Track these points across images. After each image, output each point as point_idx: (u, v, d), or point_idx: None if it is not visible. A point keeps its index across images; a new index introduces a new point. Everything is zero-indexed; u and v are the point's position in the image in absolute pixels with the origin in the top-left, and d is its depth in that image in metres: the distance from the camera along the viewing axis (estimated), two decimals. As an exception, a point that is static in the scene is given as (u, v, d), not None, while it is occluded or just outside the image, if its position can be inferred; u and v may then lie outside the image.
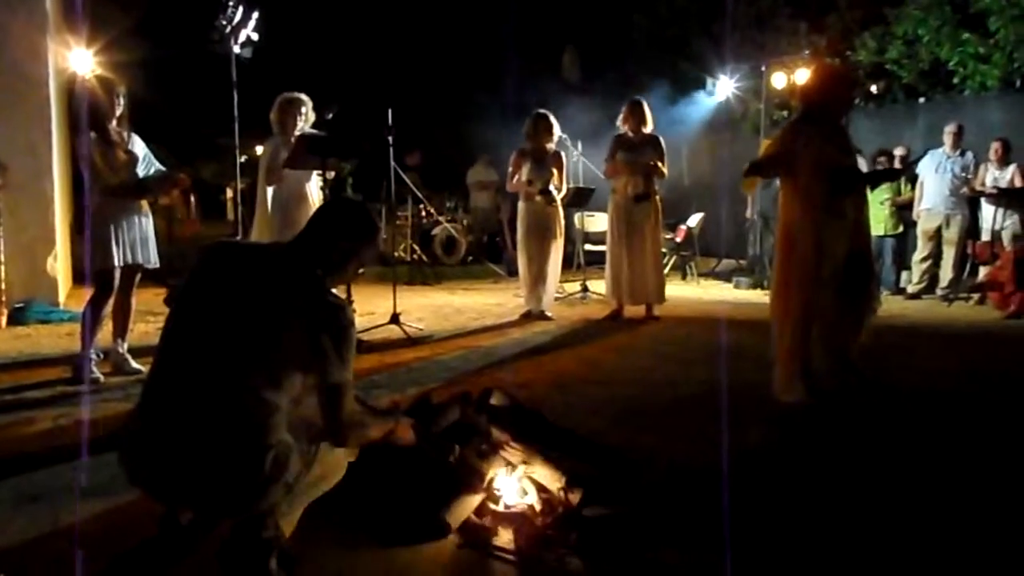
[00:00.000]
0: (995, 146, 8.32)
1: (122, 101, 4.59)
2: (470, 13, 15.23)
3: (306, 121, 5.67)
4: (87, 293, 4.70)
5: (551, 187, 6.86)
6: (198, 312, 2.19)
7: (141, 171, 4.64)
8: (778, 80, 10.12)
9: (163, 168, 4.79)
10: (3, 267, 6.28)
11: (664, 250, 8.37)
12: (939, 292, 8.67)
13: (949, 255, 8.63)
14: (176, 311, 2.24)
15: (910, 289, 8.85)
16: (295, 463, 2.14)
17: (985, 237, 8.40)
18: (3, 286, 6.28)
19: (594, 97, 13.48)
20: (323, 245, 2.29)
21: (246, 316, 2.14)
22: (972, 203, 8.66)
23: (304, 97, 5.67)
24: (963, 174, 8.50)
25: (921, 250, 8.84)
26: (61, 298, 7.14)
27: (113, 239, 4.49)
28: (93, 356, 4.58)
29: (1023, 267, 7.48)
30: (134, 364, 4.72)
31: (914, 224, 8.99)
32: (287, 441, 2.14)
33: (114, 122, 4.55)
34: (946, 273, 8.68)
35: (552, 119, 6.93)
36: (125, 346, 4.77)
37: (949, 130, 8.64)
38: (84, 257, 4.58)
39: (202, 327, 2.16)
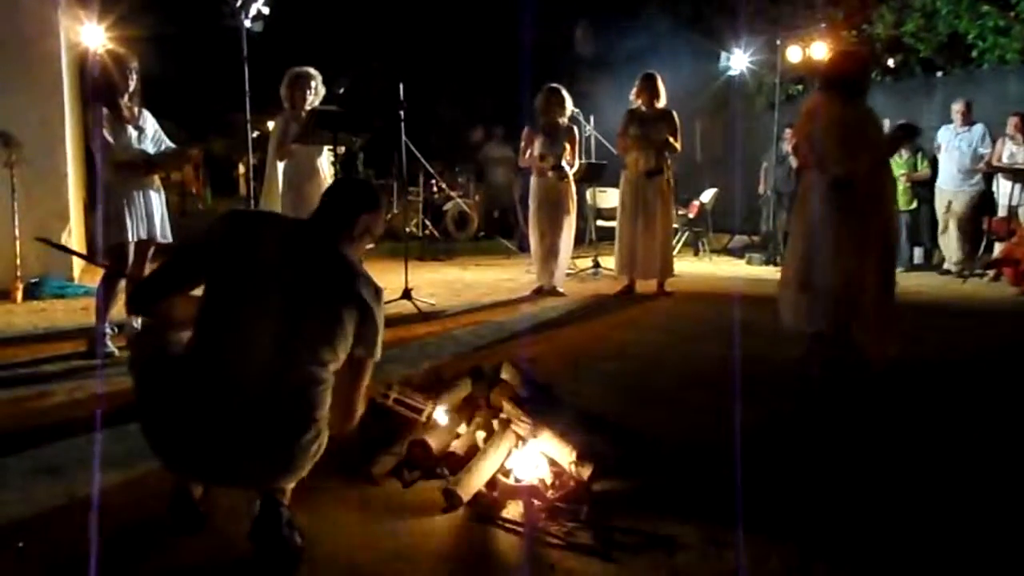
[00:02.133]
0: (1013, 120, 8.21)
1: (134, 76, 4.57)
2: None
3: (316, 95, 5.65)
4: (101, 268, 4.72)
5: (563, 162, 6.82)
6: (237, 289, 2.21)
7: (151, 147, 4.64)
8: (793, 54, 9.98)
9: (172, 145, 4.79)
10: (18, 242, 6.32)
11: (676, 226, 8.33)
12: (947, 267, 8.72)
13: (953, 229, 8.66)
14: (212, 286, 2.24)
15: (946, 265, 8.84)
16: (324, 435, 2.24)
17: (1002, 213, 8.32)
18: (18, 261, 6.33)
19: (607, 71, 13.38)
20: (343, 220, 2.36)
21: (293, 294, 2.17)
22: (988, 179, 8.59)
23: (313, 71, 5.65)
24: (971, 149, 8.46)
25: (941, 227, 8.83)
26: (76, 273, 7.19)
27: (127, 214, 4.50)
28: (108, 330, 4.61)
29: (1040, 243, 7.41)
30: (148, 338, 4.74)
31: (928, 201, 8.97)
32: (326, 416, 2.23)
33: (126, 97, 4.55)
34: (951, 250, 8.73)
35: (564, 93, 6.88)
36: (139, 320, 4.80)
37: (957, 108, 8.60)
38: (97, 232, 4.60)
39: (245, 305, 2.19)
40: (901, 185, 8.81)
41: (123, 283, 4.65)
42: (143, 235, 4.58)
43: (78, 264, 7.35)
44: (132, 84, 4.57)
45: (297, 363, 2.15)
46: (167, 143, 4.75)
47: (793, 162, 10.17)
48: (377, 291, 2.31)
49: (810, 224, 4.34)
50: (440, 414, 2.99)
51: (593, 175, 8.41)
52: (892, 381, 4.21)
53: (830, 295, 4.23)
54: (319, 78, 5.66)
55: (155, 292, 2.37)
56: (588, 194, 9.41)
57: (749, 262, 9.68)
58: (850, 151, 4.19)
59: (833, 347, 4.35)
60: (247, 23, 6.17)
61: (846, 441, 3.36)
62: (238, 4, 6.09)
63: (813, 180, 4.36)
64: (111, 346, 4.59)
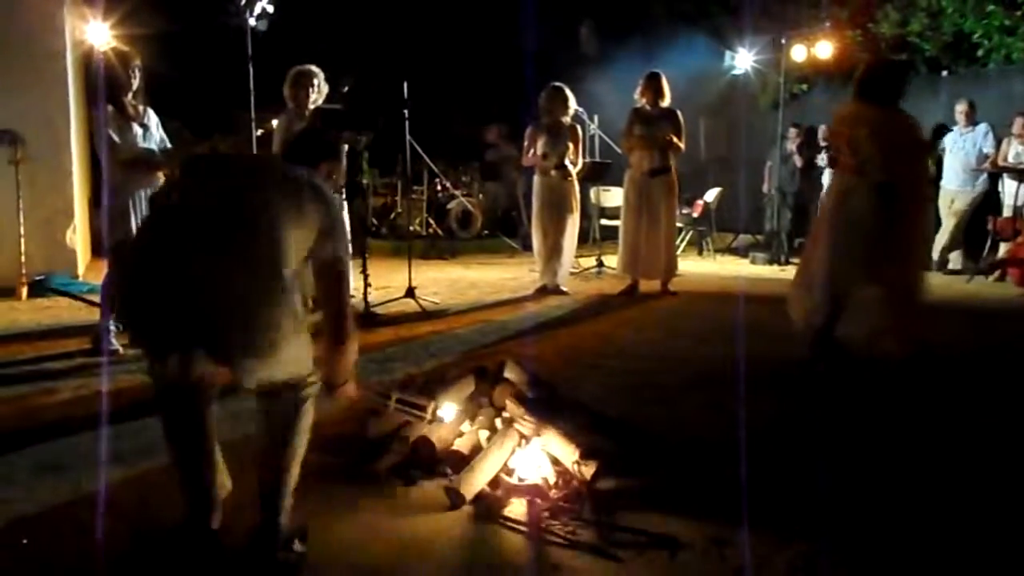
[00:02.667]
0: (1020, 120, 8.19)
1: (137, 74, 4.58)
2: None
3: (319, 93, 5.64)
4: (105, 265, 4.73)
5: (567, 161, 6.82)
6: (200, 205, 2.23)
7: (156, 145, 4.65)
8: (798, 53, 9.96)
9: (169, 146, 4.80)
10: (23, 240, 6.34)
11: (681, 225, 8.32)
12: (935, 257, 8.70)
13: (949, 225, 8.68)
14: (176, 206, 2.30)
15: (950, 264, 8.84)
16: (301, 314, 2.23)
17: (1007, 213, 8.30)
18: (23, 259, 6.34)
19: (612, 70, 13.34)
20: (308, 164, 2.46)
21: (255, 204, 2.20)
22: (993, 179, 8.57)
23: (315, 69, 5.64)
24: (975, 149, 8.47)
25: (943, 226, 8.84)
26: (80, 270, 7.21)
27: (132, 212, 4.51)
28: (112, 327, 4.63)
29: (1045, 243, 7.40)
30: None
31: (934, 200, 8.95)
32: (297, 309, 2.21)
33: (130, 95, 4.56)
34: (939, 243, 8.74)
35: (568, 92, 6.87)
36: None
37: (960, 109, 8.60)
38: (102, 230, 4.61)
39: (205, 217, 2.19)
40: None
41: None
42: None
43: (83, 261, 7.37)
44: (136, 82, 4.58)
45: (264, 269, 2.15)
46: (166, 143, 4.77)
47: (798, 161, 10.18)
48: (333, 197, 2.39)
49: (848, 225, 4.44)
50: (445, 409, 2.99)
51: (597, 174, 8.40)
52: (897, 379, 4.21)
53: (862, 296, 4.38)
54: (321, 76, 5.66)
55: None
56: (592, 193, 9.40)
57: (753, 261, 9.67)
58: (891, 157, 4.32)
59: (845, 346, 4.42)
60: (252, 21, 6.18)
61: (850, 439, 3.35)
62: (243, 3, 6.11)
63: (851, 184, 4.46)
64: (115, 343, 4.60)
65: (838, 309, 4.43)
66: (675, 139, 6.72)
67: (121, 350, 4.59)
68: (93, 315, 4.96)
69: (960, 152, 8.57)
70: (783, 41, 9.96)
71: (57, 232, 6.92)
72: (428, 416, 2.90)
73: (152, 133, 4.65)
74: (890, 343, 4.37)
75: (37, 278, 6.52)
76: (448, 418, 3.00)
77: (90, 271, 7.37)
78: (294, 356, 2.20)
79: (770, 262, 9.43)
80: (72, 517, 2.50)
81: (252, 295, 2.09)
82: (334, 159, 2.65)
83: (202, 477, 2.31)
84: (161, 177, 4.75)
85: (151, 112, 4.70)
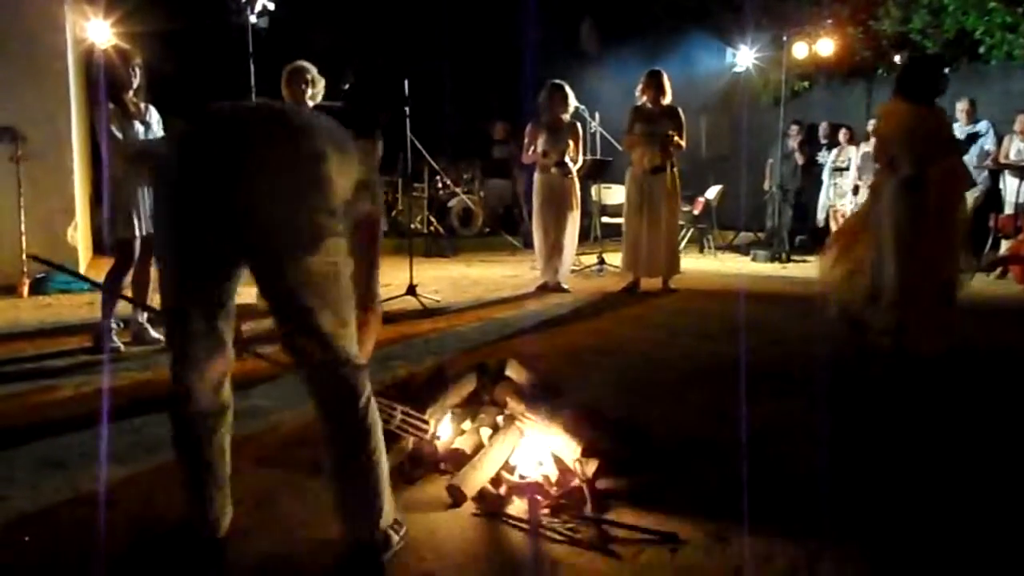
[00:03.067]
0: (1021, 117, 8.19)
1: (138, 72, 4.59)
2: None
3: (314, 87, 5.56)
4: (107, 263, 4.74)
5: (567, 159, 6.82)
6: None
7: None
8: (799, 50, 9.96)
9: None
10: (24, 237, 6.34)
11: (682, 222, 8.32)
12: None
13: None
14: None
15: None
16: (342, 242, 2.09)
17: (1008, 210, 8.30)
18: (24, 256, 6.35)
19: (613, 68, 13.32)
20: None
21: (301, 123, 2.11)
22: (995, 176, 8.57)
23: (307, 65, 5.53)
24: (977, 146, 8.49)
25: None
26: (82, 268, 7.21)
27: (134, 209, 4.52)
28: (113, 325, 4.63)
29: (1047, 241, 7.40)
30: (154, 333, 4.76)
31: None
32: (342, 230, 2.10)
33: (131, 92, 4.56)
34: None
35: (568, 90, 6.86)
36: (144, 316, 4.82)
37: (961, 107, 8.62)
38: (103, 227, 4.61)
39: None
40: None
41: (129, 278, 4.67)
42: (150, 230, 4.59)
43: (84, 259, 7.37)
44: (136, 80, 4.58)
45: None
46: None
47: (799, 159, 10.18)
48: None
49: (880, 220, 4.54)
50: (444, 426, 2.97)
51: (598, 172, 8.40)
52: (923, 377, 4.20)
53: (893, 290, 4.44)
54: (314, 70, 5.54)
55: None
56: (593, 190, 9.40)
57: (754, 259, 9.67)
58: (920, 152, 4.40)
59: (879, 339, 4.50)
60: (253, 19, 6.18)
61: (853, 437, 3.35)
62: (244, 1, 6.10)
63: (884, 179, 4.57)
64: (117, 341, 4.61)
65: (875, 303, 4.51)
66: (676, 137, 6.71)
67: (122, 348, 4.60)
68: (94, 313, 4.96)
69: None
70: (784, 38, 9.96)
71: (58, 229, 6.92)
72: (429, 436, 2.87)
73: (154, 130, 4.67)
74: (919, 341, 4.41)
75: (38, 276, 6.53)
76: (446, 435, 2.97)
77: (91, 268, 7.37)
78: (344, 295, 2.07)
79: (771, 259, 9.43)
80: (73, 515, 2.51)
81: (297, 199, 1.98)
82: (377, 138, 2.62)
83: (207, 496, 2.22)
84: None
85: (152, 109, 4.71)
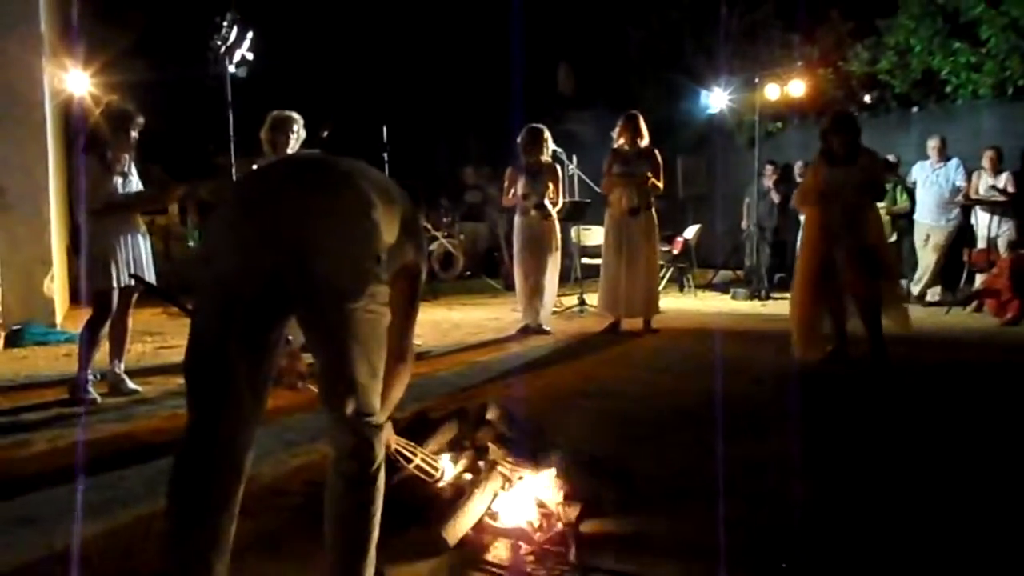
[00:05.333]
0: (989, 154, 8.37)
1: (136, 132, 4.62)
2: (465, 30, 15.31)
3: (297, 139, 5.56)
4: (84, 314, 4.70)
5: (546, 201, 6.87)
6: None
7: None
8: (771, 91, 10.16)
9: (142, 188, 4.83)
10: (0, 288, 6.28)
11: (661, 262, 8.39)
12: (914, 289, 8.88)
13: (930, 260, 8.85)
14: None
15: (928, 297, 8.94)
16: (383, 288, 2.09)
17: (981, 245, 8.44)
18: (0, 307, 6.28)
19: (590, 111, 13.52)
20: None
21: (349, 169, 2.16)
22: (967, 212, 8.72)
23: (295, 115, 5.53)
24: (949, 184, 8.67)
25: (920, 260, 8.96)
26: (58, 319, 7.14)
27: (112, 260, 4.49)
28: (90, 377, 4.58)
29: (1019, 274, 7.50)
30: (131, 384, 4.72)
31: (909, 232, 9.11)
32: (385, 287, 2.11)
33: (110, 152, 4.55)
34: (918, 278, 8.96)
35: (546, 133, 6.94)
36: (122, 367, 4.77)
37: (932, 145, 8.82)
38: (80, 278, 4.59)
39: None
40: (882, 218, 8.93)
41: (106, 329, 4.62)
42: (128, 281, 4.55)
43: (61, 310, 7.30)
44: (133, 138, 4.61)
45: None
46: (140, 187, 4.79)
47: (775, 198, 10.31)
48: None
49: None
50: (449, 472, 2.93)
51: (577, 213, 8.47)
52: (882, 407, 4.23)
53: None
54: (301, 122, 5.56)
55: None
56: (572, 232, 9.47)
57: (734, 297, 9.73)
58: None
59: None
60: (231, 68, 6.23)
61: (834, 476, 3.35)
62: (222, 50, 6.16)
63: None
64: (93, 393, 4.55)
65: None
66: (654, 179, 6.79)
67: (99, 399, 4.54)
68: (71, 365, 4.90)
69: (933, 187, 8.77)
70: (756, 80, 10.16)
71: (35, 280, 6.87)
72: (437, 476, 2.83)
73: (131, 181, 4.67)
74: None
75: (14, 327, 6.46)
76: (452, 472, 2.93)
77: (68, 319, 7.30)
78: (379, 345, 2.07)
79: (750, 297, 9.50)
80: (48, 573, 2.45)
81: (345, 237, 2.01)
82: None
83: (204, 564, 2.01)
84: (142, 224, 4.76)
85: (132, 166, 4.73)
